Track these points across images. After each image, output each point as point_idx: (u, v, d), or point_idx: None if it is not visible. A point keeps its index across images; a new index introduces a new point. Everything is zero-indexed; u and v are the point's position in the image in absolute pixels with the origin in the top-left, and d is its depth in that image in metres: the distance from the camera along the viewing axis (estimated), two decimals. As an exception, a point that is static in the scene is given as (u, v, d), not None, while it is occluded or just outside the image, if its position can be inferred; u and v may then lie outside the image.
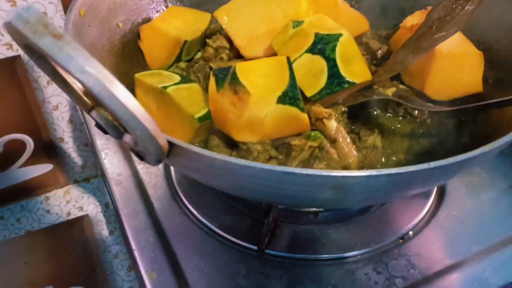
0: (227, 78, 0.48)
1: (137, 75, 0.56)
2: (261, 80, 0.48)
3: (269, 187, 0.40)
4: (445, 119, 0.58)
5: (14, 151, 0.87)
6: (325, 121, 0.51)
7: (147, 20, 0.66)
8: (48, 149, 0.90)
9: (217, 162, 0.37)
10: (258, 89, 0.47)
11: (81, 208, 0.94)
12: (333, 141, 0.50)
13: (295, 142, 0.48)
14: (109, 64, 0.58)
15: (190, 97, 0.54)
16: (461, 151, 0.39)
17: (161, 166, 0.66)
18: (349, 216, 0.61)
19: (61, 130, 0.89)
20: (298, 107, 0.48)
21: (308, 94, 0.52)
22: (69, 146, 0.92)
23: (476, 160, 0.40)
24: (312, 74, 0.52)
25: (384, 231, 0.59)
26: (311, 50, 0.52)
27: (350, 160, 0.49)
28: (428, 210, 0.62)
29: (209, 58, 0.63)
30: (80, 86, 0.41)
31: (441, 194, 0.64)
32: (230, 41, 0.62)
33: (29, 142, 0.87)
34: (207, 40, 0.63)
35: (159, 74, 0.57)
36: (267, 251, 0.56)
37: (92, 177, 0.99)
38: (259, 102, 0.47)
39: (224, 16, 0.61)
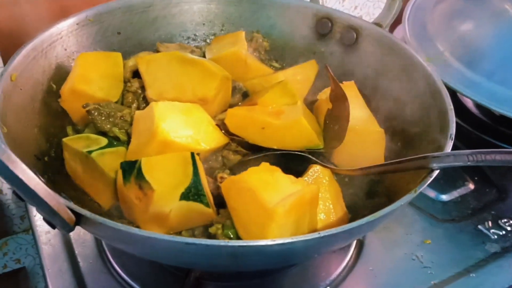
0: (133, 173, 0.50)
1: (64, 140, 0.58)
2: (165, 176, 0.49)
3: (174, 255, 0.43)
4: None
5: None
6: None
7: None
8: (-14, 201, 0.90)
9: (120, 232, 0.40)
10: (161, 185, 0.48)
11: (18, 261, 0.93)
12: None
13: (212, 230, 0.50)
14: (39, 126, 0.60)
15: (114, 161, 0.55)
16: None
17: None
18: (271, 272, 0.63)
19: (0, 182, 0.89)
20: (202, 202, 0.49)
21: None
22: (7, 197, 0.92)
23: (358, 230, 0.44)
24: None
25: (304, 286, 0.62)
26: None
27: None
28: (346, 265, 0.65)
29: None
30: None
31: (360, 248, 0.67)
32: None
33: (-34, 195, 0.87)
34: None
35: (87, 138, 0.59)
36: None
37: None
38: (162, 198, 0.48)
39: (144, 65, 0.63)
